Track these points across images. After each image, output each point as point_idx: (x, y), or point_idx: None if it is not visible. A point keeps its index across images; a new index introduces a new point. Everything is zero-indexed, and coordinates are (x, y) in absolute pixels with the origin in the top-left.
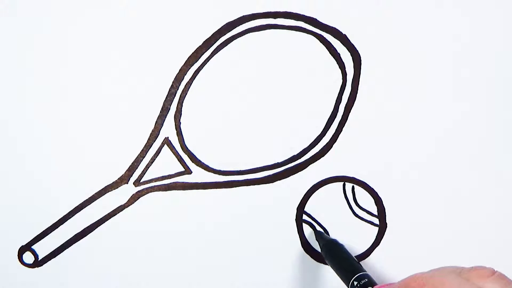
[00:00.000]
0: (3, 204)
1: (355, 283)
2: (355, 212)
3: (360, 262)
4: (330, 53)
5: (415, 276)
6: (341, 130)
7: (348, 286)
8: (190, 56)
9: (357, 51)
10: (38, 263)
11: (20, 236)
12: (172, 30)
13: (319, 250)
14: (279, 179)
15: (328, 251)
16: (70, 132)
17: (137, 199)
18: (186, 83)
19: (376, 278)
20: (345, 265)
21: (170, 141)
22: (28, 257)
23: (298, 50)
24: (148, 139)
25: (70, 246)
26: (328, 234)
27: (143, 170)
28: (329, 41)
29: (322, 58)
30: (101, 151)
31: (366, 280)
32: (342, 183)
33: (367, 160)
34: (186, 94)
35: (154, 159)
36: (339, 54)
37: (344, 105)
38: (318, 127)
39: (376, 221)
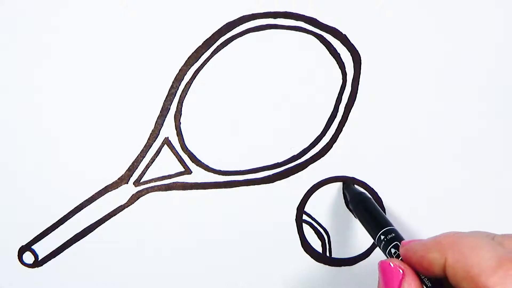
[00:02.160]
0: (3, 204)
1: (382, 237)
2: None
3: (360, 262)
4: (330, 53)
5: (448, 233)
6: (341, 130)
7: (374, 240)
8: (190, 56)
9: (357, 51)
10: (38, 263)
11: (20, 236)
12: (172, 30)
13: (319, 249)
14: (279, 179)
15: (356, 204)
16: (70, 132)
17: (137, 199)
18: (186, 83)
19: (377, 278)
20: (373, 219)
21: (170, 141)
22: (28, 257)
23: (298, 50)
24: (148, 139)
25: (70, 246)
26: (328, 235)
27: (143, 170)
28: (329, 41)
29: (322, 58)
30: (101, 151)
31: (393, 235)
32: (342, 183)
33: (367, 160)
34: (186, 94)
35: (154, 159)
36: (339, 54)
37: (344, 105)
38: (318, 127)
39: None
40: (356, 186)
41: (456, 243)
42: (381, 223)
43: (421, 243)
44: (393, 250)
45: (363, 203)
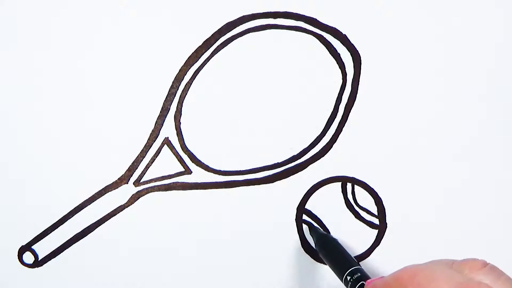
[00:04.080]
0: (3, 204)
1: (348, 277)
2: (355, 212)
3: (360, 263)
4: (330, 53)
5: (406, 268)
6: (341, 130)
7: (342, 280)
8: (190, 56)
9: (357, 51)
10: (38, 263)
11: (20, 236)
12: (172, 30)
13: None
14: (279, 179)
15: (321, 245)
16: (70, 132)
17: (137, 199)
18: (186, 83)
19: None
20: (339, 260)
21: (170, 141)
22: (28, 257)
23: (298, 50)
24: (148, 139)
25: (70, 246)
26: (329, 232)
27: (143, 170)
28: (329, 41)
29: (322, 58)
30: (101, 151)
31: (359, 274)
32: (342, 183)
33: (367, 160)
34: (186, 94)
35: (154, 159)
36: (339, 54)
37: (344, 105)
38: (318, 127)
39: (376, 221)
40: (320, 228)
41: (414, 277)
42: (347, 263)
43: (382, 280)
44: None
45: (328, 245)
